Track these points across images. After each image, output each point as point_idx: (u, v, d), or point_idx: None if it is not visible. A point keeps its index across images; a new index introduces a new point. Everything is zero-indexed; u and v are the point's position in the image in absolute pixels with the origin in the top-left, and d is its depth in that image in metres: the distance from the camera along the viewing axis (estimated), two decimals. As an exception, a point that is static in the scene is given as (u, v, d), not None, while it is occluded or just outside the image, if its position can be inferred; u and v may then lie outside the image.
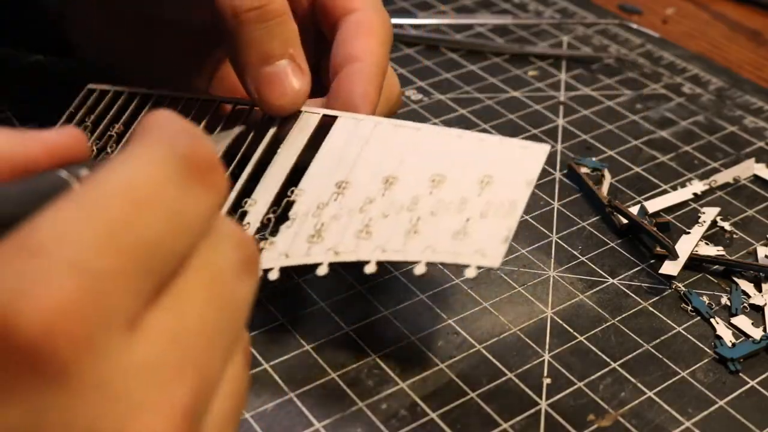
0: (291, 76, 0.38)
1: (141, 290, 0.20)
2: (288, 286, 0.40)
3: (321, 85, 0.43)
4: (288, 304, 0.39)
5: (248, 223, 0.36)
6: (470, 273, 0.31)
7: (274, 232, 0.35)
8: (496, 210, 0.32)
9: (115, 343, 0.19)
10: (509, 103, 0.55)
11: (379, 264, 0.33)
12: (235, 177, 0.38)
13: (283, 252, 0.35)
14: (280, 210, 0.36)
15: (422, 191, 0.34)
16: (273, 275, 0.34)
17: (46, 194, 0.22)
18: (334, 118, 0.38)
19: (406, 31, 0.62)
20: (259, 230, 0.36)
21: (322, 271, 0.34)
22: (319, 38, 0.43)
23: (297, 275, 0.40)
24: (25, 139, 0.24)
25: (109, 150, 0.42)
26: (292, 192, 0.36)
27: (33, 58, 0.53)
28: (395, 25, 0.62)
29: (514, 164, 0.34)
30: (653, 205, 0.46)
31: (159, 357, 0.20)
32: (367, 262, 0.33)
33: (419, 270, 0.32)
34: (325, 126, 0.38)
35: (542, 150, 0.34)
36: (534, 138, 0.52)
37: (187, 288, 0.21)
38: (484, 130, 0.52)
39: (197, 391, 0.20)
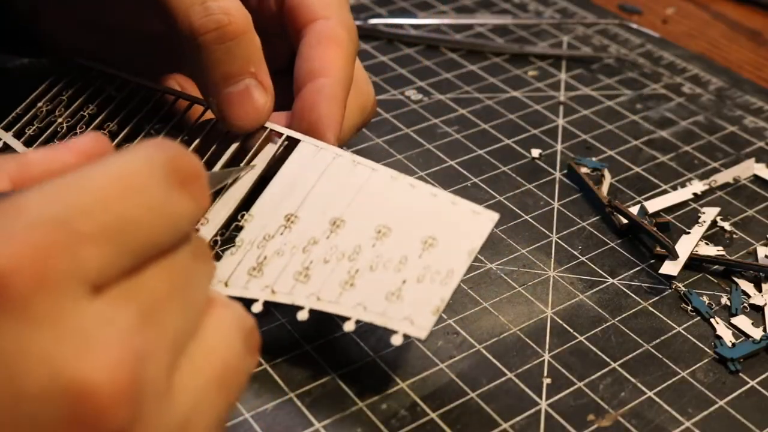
0: (253, 95, 0.37)
1: (111, 261, 0.22)
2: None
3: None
4: (288, 305, 0.39)
5: None
6: (396, 340, 0.32)
7: (218, 257, 0.35)
8: (433, 277, 0.32)
9: (77, 294, 0.21)
10: (509, 103, 0.55)
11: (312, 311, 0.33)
12: None
13: (222, 280, 0.35)
14: (228, 233, 0.36)
15: (366, 241, 0.34)
16: None
17: None
18: (298, 140, 0.38)
19: (406, 31, 0.62)
20: None
21: (256, 308, 0.33)
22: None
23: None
24: (57, 150, 0.27)
25: (78, 131, 0.41)
26: (242, 216, 0.36)
27: (18, 62, 0.53)
28: (395, 25, 0.62)
29: (461, 229, 0.33)
30: (653, 205, 0.46)
31: (117, 313, 0.22)
32: (301, 308, 0.33)
33: (348, 327, 0.32)
34: (289, 146, 0.38)
35: (491, 218, 0.33)
36: (534, 138, 0.52)
37: (153, 274, 0.23)
38: (484, 131, 0.52)
39: (151, 342, 0.22)
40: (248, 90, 0.37)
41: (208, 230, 0.36)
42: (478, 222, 0.33)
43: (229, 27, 0.36)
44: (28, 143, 0.42)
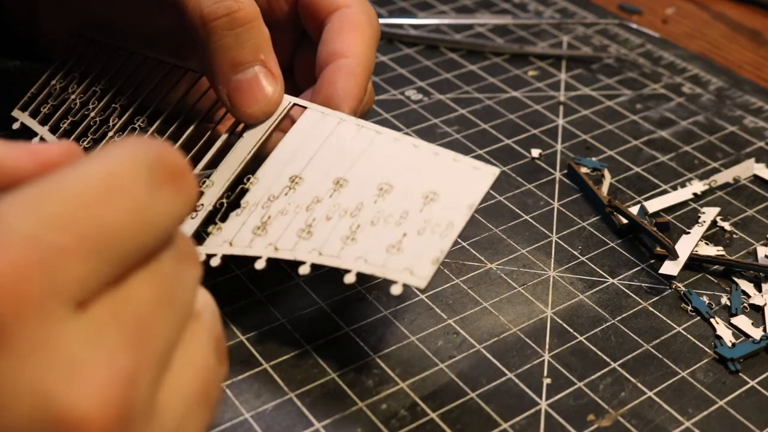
0: (262, 83, 0.38)
1: (94, 274, 0.21)
2: (288, 287, 0.40)
3: (295, 85, 0.43)
4: (288, 304, 0.39)
5: (201, 205, 0.37)
6: (395, 290, 0.32)
7: (224, 218, 0.36)
8: (433, 229, 0.33)
9: (60, 314, 0.20)
10: (509, 103, 0.55)
11: (314, 266, 0.33)
12: (198, 159, 0.39)
13: (227, 240, 0.35)
14: (234, 196, 0.36)
15: (368, 198, 0.34)
16: (215, 262, 0.35)
17: None
18: (304, 108, 0.38)
19: (406, 31, 0.62)
20: (211, 213, 0.36)
21: (259, 265, 0.34)
22: (299, 39, 0.43)
23: (297, 277, 0.40)
24: (16, 150, 0.24)
25: (90, 106, 0.42)
26: (248, 179, 0.37)
27: (18, 62, 0.53)
28: (395, 25, 0.62)
29: (462, 184, 0.33)
30: (653, 205, 0.46)
31: (103, 331, 0.21)
32: (303, 263, 0.33)
33: (349, 279, 0.32)
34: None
35: (491, 173, 0.33)
36: (534, 138, 0.52)
37: (138, 283, 0.22)
38: (484, 131, 0.52)
39: (140, 362, 0.21)
40: (257, 78, 0.37)
41: (213, 192, 0.37)
42: (478, 177, 0.34)
43: (239, 13, 0.37)
44: (43, 122, 0.43)
